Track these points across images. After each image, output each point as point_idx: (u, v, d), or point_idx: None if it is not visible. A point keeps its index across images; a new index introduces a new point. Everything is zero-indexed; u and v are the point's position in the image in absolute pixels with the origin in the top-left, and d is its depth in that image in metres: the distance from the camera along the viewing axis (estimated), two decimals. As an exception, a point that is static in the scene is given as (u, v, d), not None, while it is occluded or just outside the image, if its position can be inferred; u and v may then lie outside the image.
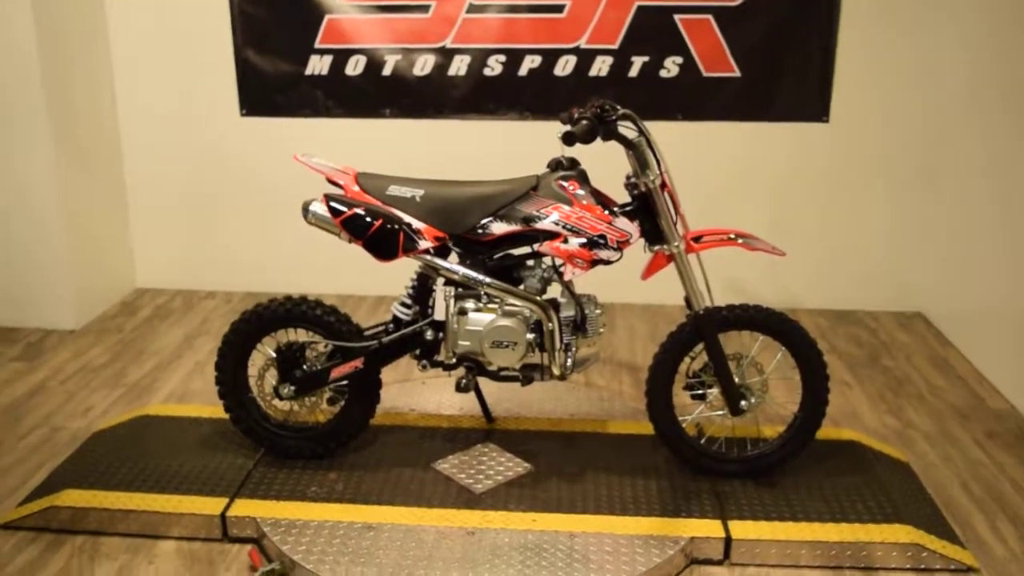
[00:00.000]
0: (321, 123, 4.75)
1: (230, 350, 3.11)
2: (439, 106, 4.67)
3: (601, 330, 3.03)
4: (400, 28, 4.56)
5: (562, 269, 2.91)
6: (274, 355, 3.07)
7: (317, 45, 4.63)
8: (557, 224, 2.86)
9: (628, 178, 2.92)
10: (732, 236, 2.92)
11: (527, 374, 3.02)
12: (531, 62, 4.57)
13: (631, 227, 2.86)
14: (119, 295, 4.93)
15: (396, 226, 2.90)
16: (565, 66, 4.56)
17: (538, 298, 2.93)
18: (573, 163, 2.93)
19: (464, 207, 2.91)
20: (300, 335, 3.13)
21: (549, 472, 3.13)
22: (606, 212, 2.84)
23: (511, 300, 2.94)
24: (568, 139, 2.61)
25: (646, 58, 4.52)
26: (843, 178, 4.62)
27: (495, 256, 3.00)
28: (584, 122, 2.69)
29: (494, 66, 4.59)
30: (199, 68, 4.73)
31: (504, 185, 2.93)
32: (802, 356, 3.00)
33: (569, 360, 3.01)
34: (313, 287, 4.86)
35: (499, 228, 2.91)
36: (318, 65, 4.66)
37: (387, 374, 3.21)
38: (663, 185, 2.87)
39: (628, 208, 2.92)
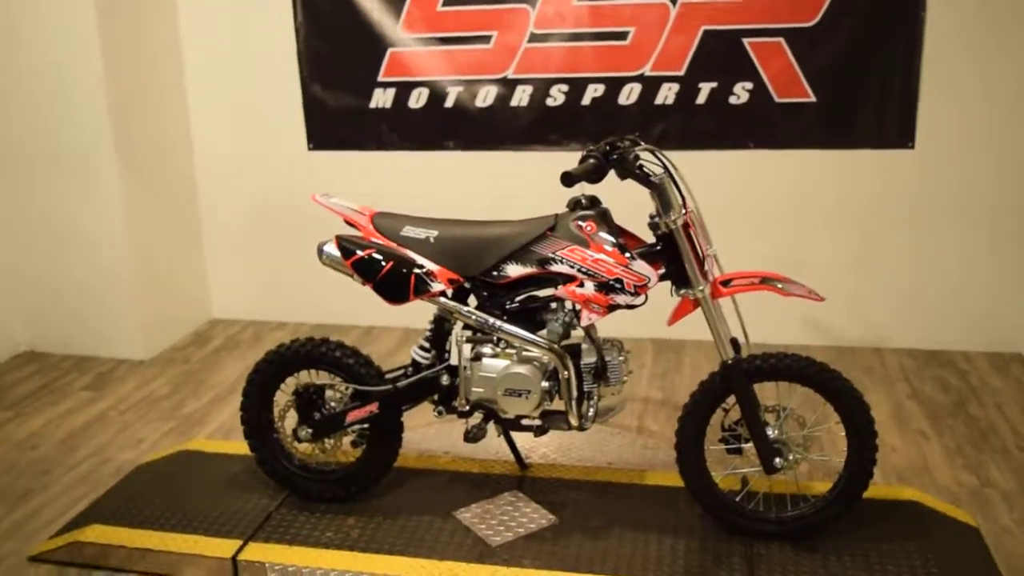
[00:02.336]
0: (385, 156, 4.74)
1: (254, 390, 3.10)
2: (502, 138, 4.58)
3: (625, 378, 2.85)
4: (461, 59, 4.51)
5: (580, 314, 2.76)
6: (292, 397, 3.03)
7: (380, 78, 4.63)
8: (573, 267, 2.71)
9: (652, 217, 2.74)
10: (762, 280, 2.70)
11: (543, 424, 2.87)
12: (594, 91, 4.44)
13: (649, 270, 2.69)
14: (193, 325, 5.05)
15: (407, 269, 2.82)
16: (630, 94, 4.40)
17: (553, 344, 2.79)
18: (593, 202, 2.78)
19: (479, 249, 2.81)
20: (324, 376, 3.08)
21: (573, 526, 2.97)
22: (624, 254, 2.68)
23: (527, 346, 2.81)
24: (567, 180, 2.46)
25: (714, 84, 4.31)
26: (932, 207, 4.27)
27: (517, 299, 2.88)
28: (591, 160, 2.54)
29: (557, 96, 4.47)
30: (268, 103, 4.81)
31: (521, 226, 2.80)
32: (845, 410, 2.74)
33: (591, 410, 2.85)
34: (380, 319, 4.85)
35: (515, 271, 2.78)
36: (382, 98, 4.65)
37: (421, 416, 3.12)
38: (687, 225, 2.69)
39: (651, 249, 2.75)
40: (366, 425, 3.03)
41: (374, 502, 3.14)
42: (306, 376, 3.09)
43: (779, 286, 2.70)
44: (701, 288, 2.70)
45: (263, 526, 3.02)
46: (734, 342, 2.84)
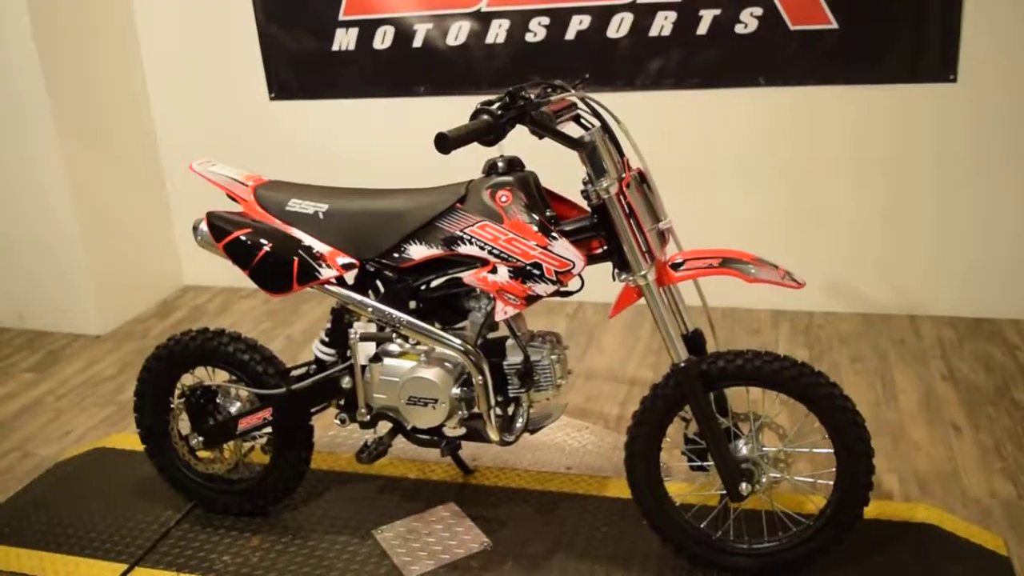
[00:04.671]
0: (351, 105, 4.24)
1: (146, 389, 2.68)
2: (477, 80, 4.02)
3: (560, 381, 2.34)
4: (429, -8, 3.95)
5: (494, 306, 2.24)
6: (180, 400, 2.60)
7: (342, 17, 4.10)
8: (483, 248, 2.19)
9: (584, 184, 2.19)
10: (723, 261, 2.14)
11: (454, 439, 2.39)
12: (579, 23, 3.84)
13: (573, 253, 2.15)
14: (162, 294, 4.66)
15: (289, 251, 2.34)
16: (620, 26, 3.80)
17: (467, 344, 2.28)
18: (512, 165, 2.23)
19: (375, 226, 2.30)
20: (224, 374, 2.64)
21: (507, 551, 2.49)
22: (544, 233, 2.14)
23: (437, 345, 2.31)
24: (441, 145, 1.90)
25: (717, 11, 3.67)
26: (977, 152, 3.59)
27: (427, 286, 2.37)
28: (484, 117, 1.98)
29: (537, 30, 3.89)
30: (225, 49, 4.32)
31: (427, 196, 2.29)
32: (832, 424, 2.18)
33: (519, 420, 2.35)
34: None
35: (418, 252, 2.27)
36: (344, 39, 4.13)
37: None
38: (623, 194, 2.13)
39: (585, 224, 2.20)
40: (268, 430, 2.59)
41: (287, 516, 2.72)
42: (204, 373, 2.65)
43: (745, 269, 2.14)
44: (643, 273, 2.15)
45: (156, 546, 2.63)
46: (696, 336, 2.30)
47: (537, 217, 2.15)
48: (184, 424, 2.64)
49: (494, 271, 2.19)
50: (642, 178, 2.23)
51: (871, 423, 3.05)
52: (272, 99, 4.36)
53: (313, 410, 2.58)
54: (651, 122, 3.88)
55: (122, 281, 4.40)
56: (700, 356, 2.24)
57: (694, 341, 2.30)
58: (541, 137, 2.09)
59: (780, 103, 3.73)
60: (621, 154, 2.19)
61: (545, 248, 2.14)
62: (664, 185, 3.94)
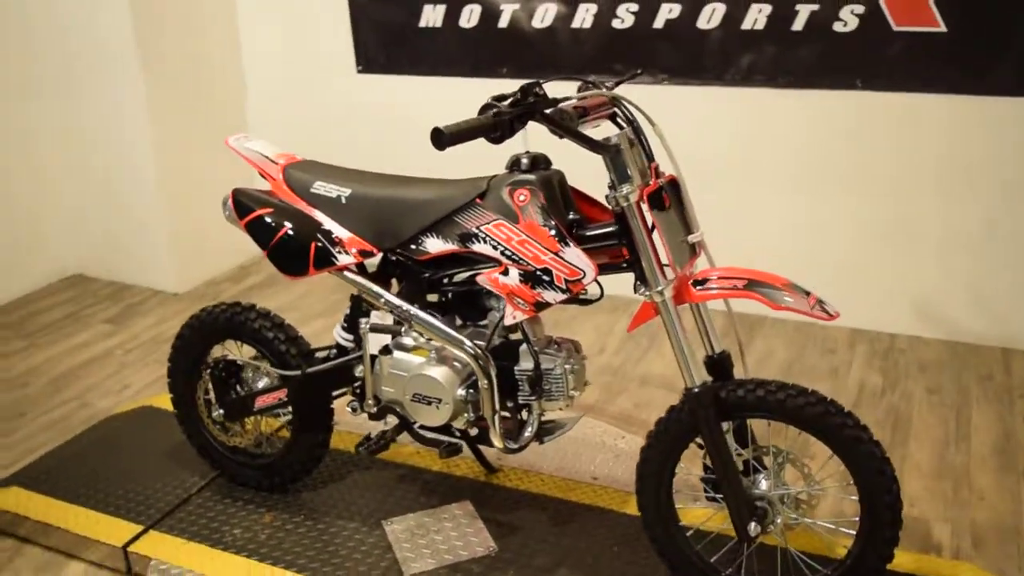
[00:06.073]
0: (435, 82, 4.18)
1: (179, 357, 2.70)
2: (559, 66, 3.90)
3: (573, 392, 2.22)
4: (518, -29, 3.85)
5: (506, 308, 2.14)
6: (207, 371, 2.61)
7: (430, -8, 4.04)
8: (496, 248, 2.10)
9: (609, 189, 2.06)
10: (749, 284, 1.98)
11: (455, 443, 2.31)
12: (668, 11, 3.66)
13: (585, 263, 2.03)
14: (240, 258, 4.75)
15: (307, 235, 2.30)
16: (711, 16, 3.60)
17: (478, 345, 2.19)
18: (536, 162, 2.12)
19: (396, 215, 2.24)
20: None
21: (512, 559, 2.41)
22: (557, 238, 2.03)
23: (446, 343, 2.23)
24: (436, 140, 1.80)
25: (815, 6, 3.43)
26: (1097, 177, 3.26)
27: (446, 281, 2.29)
28: (491, 113, 1.87)
29: (624, 16, 3.74)
30: (317, 22, 4.34)
31: (450, 188, 2.21)
32: (858, 471, 2.00)
33: (528, 428, 2.25)
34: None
35: (434, 246, 2.20)
36: (431, 16, 4.08)
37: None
38: (650, 201, 1.99)
39: (607, 232, 2.08)
40: (289, 410, 2.58)
41: (305, 496, 2.71)
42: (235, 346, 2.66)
43: (771, 295, 1.97)
44: (659, 289, 2.01)
45: (174, 512, 2.66)
46: (722, 359, 2.15)
47: (553, 221, 2.03)
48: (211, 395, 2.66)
49: (506, 273, 2.09)
50: (675, 187, 2.08)
51: (934, 463, 2.83)
52: (360, 72, 4.35)
53: (335, 393, 2.56)
54: (737, 121, 3.70)
55: (202, 242, 4.49)
56: (721, 381, 2.09)
57: (719, 364, 2.15)
58: (561, 137, 1.97)
59: (875, 108, 3.47)
60: (651, 159, 2.05)
61: (556, 254, 2.02)
62: (741, 189, 3.76)
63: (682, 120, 3.75)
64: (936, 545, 2.50)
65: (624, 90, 2.13)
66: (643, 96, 3.77)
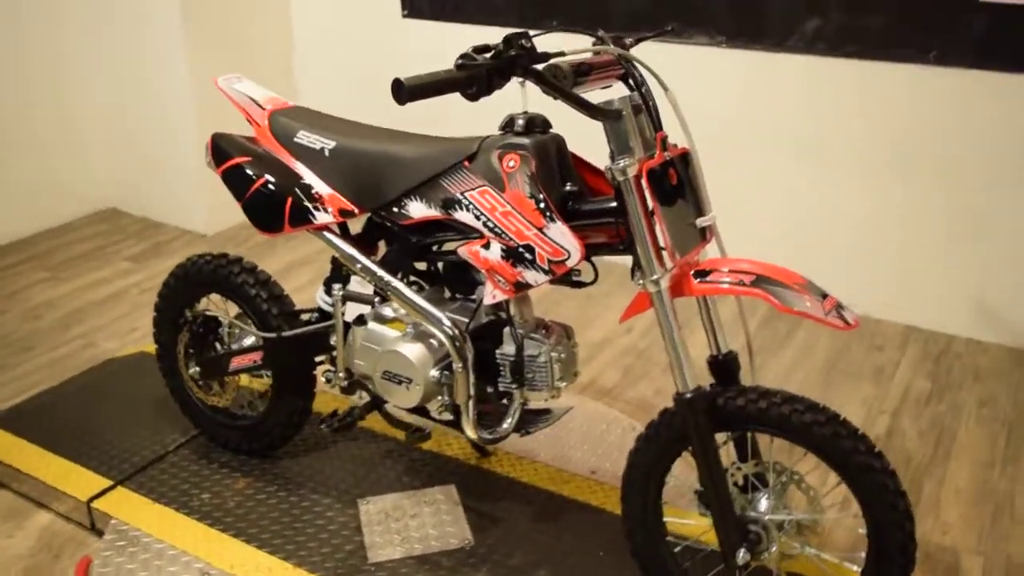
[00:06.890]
0: (480, 32, 3.94)
1: (164, 306, 2.57)
2: (609, 20, 3.62)
3: (560, 383, 2.01)
4: (572, -85, 3.56)
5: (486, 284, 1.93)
6: (184, 325, 2.47)
7: (479, -65, 3.79)
8: (479, 218, 1.88)
9: (610, 159, 1.82)
10: (756, 280, 1.72)
11: (425, 429, 2.12)
12: (731, -33, 3.35)
13: (571, 243, 1.79)
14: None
15: (284, 188, 2.11)
16: (778, -25, 3.28)
17: (456, 323, 1.98)
18: (533, 123, 1.88)
19: (378, 173, 2.03)
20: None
21: (486, 555, 2.23)
22: (543, 213, 1.80)
23: (422, 319, 2.03)
24: (397, 92, 1.57)
25: (893, -32, 3.09)
26: None
27: (432, 249, 2.09)
28: (469, 66, 1.63)
29: (683, -30, 3.43)
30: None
31: (438, 148, 1.99)
32: (867, 500, 1.75)
33: (508, 418, 2.04)
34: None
35: (417, 210, 1.99)
36: (479, -40, 3.83)
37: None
38: (643, 176, 1.74)
39: (601, 208, 1.84)
40: (269, 372, 2.42)
41: (284, 464, 2.57)
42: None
43: (780, 294, 1.71)
44: (654, 278, 1.77)
45: (147, 468, 2.54)
46: (727, 361, 1.91)
47: (541, 193, 1.80)
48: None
49: (488, 246, 1.87)
50: (686, 161, 1.83)
51: (975, 486, 2.55)
52: (404, 16, 4.14)
53: (319, 360, 2.39)
54: (795, 91, 3.39)
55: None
56: (719, 387, 1.85)
57: (724, 367, 1.91)
58: (556, 98, 1.73)
59: (947, 85, 3.12)
60: (658, 128, 1.80)
61: (540, 230, 1.80)
62: (785, 167, 3.44)
63: (737, 89, 3.46)
64: (958, 590, 2.24)
65: (667, 51, 1.87)
66: (693, 58, 3.47)
